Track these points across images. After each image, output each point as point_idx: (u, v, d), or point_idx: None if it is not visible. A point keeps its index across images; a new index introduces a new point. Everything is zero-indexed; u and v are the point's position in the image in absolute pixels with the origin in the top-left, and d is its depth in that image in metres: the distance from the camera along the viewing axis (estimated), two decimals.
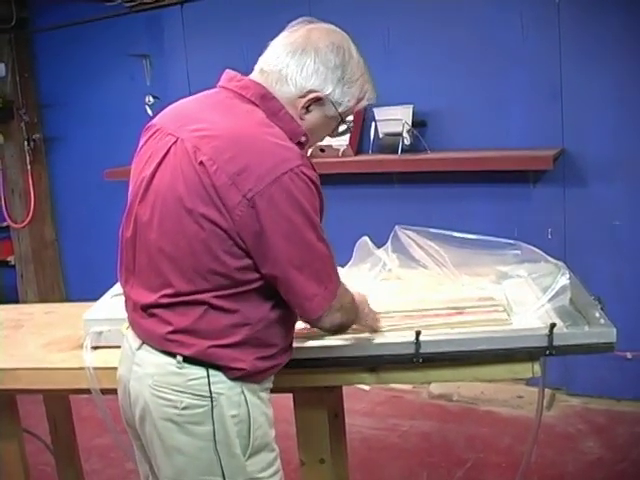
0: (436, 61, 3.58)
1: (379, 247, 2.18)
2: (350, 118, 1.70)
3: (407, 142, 3.48)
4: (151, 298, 1.59)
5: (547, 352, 1.75)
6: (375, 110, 3.55)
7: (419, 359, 1.79)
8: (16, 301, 4.80)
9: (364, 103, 1.66)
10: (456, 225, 3.58)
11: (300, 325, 1.86)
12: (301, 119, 1.60)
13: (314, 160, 3.61)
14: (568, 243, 3.44)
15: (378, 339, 1.85)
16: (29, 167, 4.71)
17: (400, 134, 3.46)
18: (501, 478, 2.96)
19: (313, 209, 1.52)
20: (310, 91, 1.58)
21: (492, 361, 1.80)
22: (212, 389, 1.55)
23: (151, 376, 1.58)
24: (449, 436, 3.35)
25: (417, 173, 3.54)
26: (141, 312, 1.62)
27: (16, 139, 4.68)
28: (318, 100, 1.59)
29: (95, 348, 2.04)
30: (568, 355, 1.77)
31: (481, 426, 3.41)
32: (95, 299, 2.20)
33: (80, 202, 4.76)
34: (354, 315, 1.73)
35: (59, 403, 2.60)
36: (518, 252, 2.06)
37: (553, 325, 1.74)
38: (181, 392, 1.56)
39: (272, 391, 1.74)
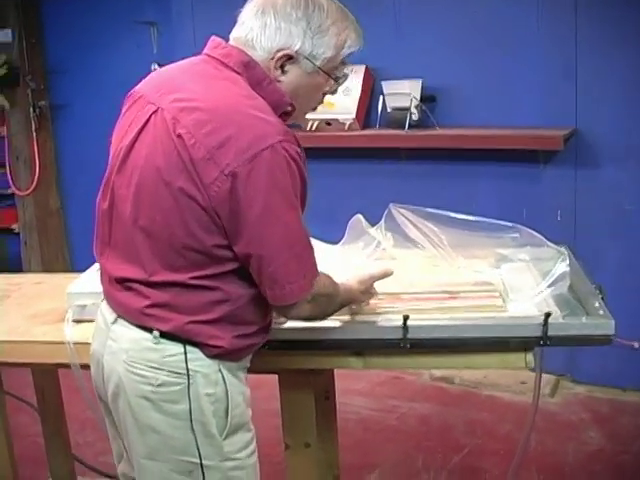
0: (448, 35, 3.45)
1: (374, 225, 2.09)
2: (345, 72, 1.60)
3: (415, 117, 3.37)
4: (127, 272, 1.53)
5: (541, 342, 1.67)
6: (383, 84, 3.45)
7: (407, 344, 1.72)
8: (20, 270, 4.76)
9: (347, 51, 1.55)
10: (463, 204, 3.48)
11: None
12: (279, 82, 1.51)
13: (319, 133, 3.59)
14: (578, 226, 3.34)
15: (365, 322, 1.78)
16: (34, 134, 4.63)
17: (408, 109, 3.35)
18: (498, 466, 2.89)
19: (293, 189, 1.44)
20: (278, 50, 1.50)
21: (484, 349, 1.73)
22: (189, 366, 1.50)
23: (126, 351, 1.53)
24: (448, 420, 3.28)
25: (424, 150, 3.44)
26: (117, 285, 1.56)
27: (22, 106, 4.60)
28: (290, 58, 1.50)
29: (78, 322, 1.99)
30: (563, 346, 1.68)
31: (482, 411, 3.33)
32: None
33: (86, 170, 4.68)
34: (328, 308, 1.65)
35: (47, 374, 2.55)
36: (517, 235, 1.97)
37: (548, 314, 1.66)
38: (157, 369, 1.50)
39: (256, 371, 1.68)
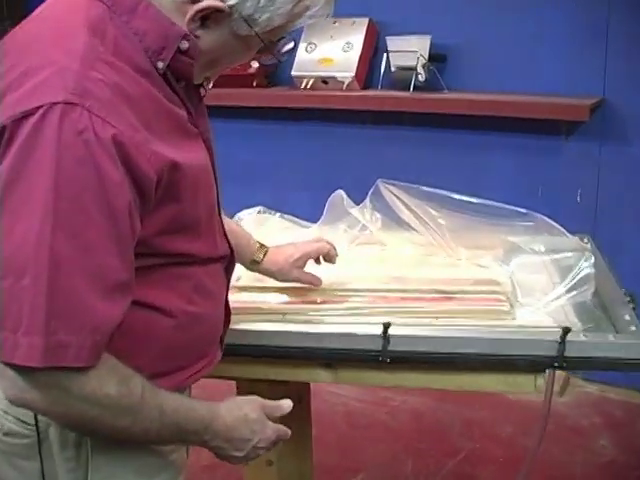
0: None
1: (360, 204, 1.74)
2: (288, 47, 1.14)
3: (422, 78, 2.98)
4: None
5: (556, 364, 1.32)
6: (388, 39, 3.05)
7: (386, 358, 1.37)
8: None
9: (306, 21, 1.08)
10: (471, 178, 3.17)
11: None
12: (196, 37, 1.04)
13: (314, 92, 3.20)
14: (600, 209, 2.97)
15: (337, 327, 1.44)
16: None
17: (414, 69, 2.96)
18: (497, 475, 2.57)
19: (73, 179, 0.91)
20: None
21: (482, 368, 1.38)
22: (38, 416, 1.07)
23: None
24: (444, 419, 2.95)
25: (430, 115, 3.05)
26: None
27: None
28: (217, 11, 1.02)
29: None
30: (583, 370, 1.33)
31: (481, 410, 2.99)
32: None
33: None
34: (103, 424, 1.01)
35: None
36: (531, 224, 1.62)
37: (567, 330, 1.30)
38: (3, 412, 1.10)
39: (209, 376, 1.30)
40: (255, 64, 3.38)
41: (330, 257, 1.56)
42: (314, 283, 1.54)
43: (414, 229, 1.72)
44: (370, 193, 1.65)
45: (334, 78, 3.16)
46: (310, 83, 3.20)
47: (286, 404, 1.25)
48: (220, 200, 1.22)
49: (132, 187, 0.95)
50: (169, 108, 1.04)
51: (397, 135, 3.24)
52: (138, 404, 1.01)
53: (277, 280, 1.55)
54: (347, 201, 1.69)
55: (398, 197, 1.63)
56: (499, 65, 3.05)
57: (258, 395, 1.44)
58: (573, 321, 1.40)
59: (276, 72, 3.42)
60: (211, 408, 1.13)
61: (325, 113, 3.23)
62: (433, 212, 1.66)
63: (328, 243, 1.57)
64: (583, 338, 1.33)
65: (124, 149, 0.93)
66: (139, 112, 0.97)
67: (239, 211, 1.96)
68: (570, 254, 1.62)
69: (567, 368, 1.32)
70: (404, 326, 1.40)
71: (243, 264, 1.52)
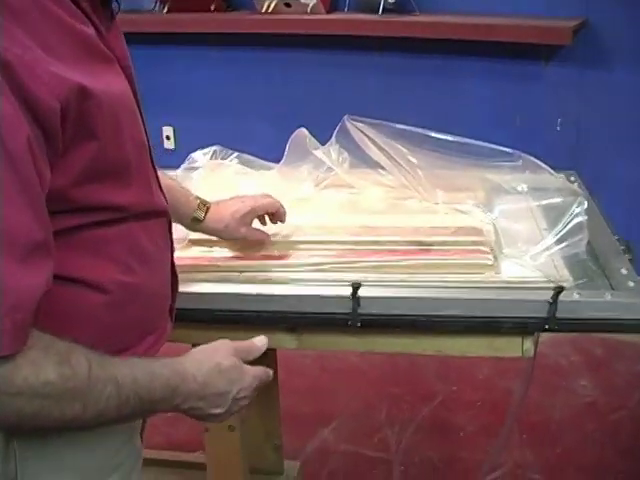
0: None
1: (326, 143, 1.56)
2: None
3: (391, 0, 2.77)
4: None
5: (546, 327, 1.18)
6: None
7: (357, 322, 1.22)
8: None
9: None
10: (445, 105, 3.00)
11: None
12: None
13: (275, 16, 2.96)
14: (581, 138, 2.81)
15: (300, 288, 1.27)
16: None
17: None
18: (474, 421, 2.47)
19: None
20: None
21: (464, 331, 1.23)
22: None
23: None
24: (419, 361, 2.82)
25: (402, 39, 2.84)
26: None
27: None
28: None
29: None
30: (576, 333, 1.19)
31: None
32: None
33: None
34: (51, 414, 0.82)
35: None
36: (518, 164, 1.45)
37: (559, 289, 1.15)
38: None
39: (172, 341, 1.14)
40: None
41: (279, 216, 1.38)
42: (264, 240, 1.37)
43: (385, 170, 1.54)
44: (336, 131, 1.46)
45: (298, 1, 2.93)
46: (272, 6, 2.96)
47: (260, 342, 1.08)
48: (150, 146, 1.01)
49: (29, 119, 0.75)
50: (71, 24, 0.82)
51: (364, 63, 3.03)
52: (86, 384, 0.83)
53: (222, 239, 1.37)
54: (311, 140, 1.51)
55: (366, 135, 1.45)
56: None
57: None
58: (564, 275, 1.25)
59: None
60: (175, 368, 0.94)
61: (286, 38, 3.00)
62: (405, 150, 1.48)
63: (277, 201, 1.39)
64: (577, 297, 1.18)
65: (11, 71, 0.73)
66: (30, 28, 0.76)
67: (195, 150, 1.77)
68: (559, 199, 1.46)
69: (559, 330, 1.17)
70: (376, 286, 1.24)
71: (183, 224, 1.32)
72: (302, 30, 2.93)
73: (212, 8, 3.13)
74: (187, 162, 1.75)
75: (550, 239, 1.34)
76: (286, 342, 1.30)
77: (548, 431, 2.42)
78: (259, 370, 1.04)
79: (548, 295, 1.16)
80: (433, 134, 1.47)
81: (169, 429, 2.36)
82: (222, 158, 1.76)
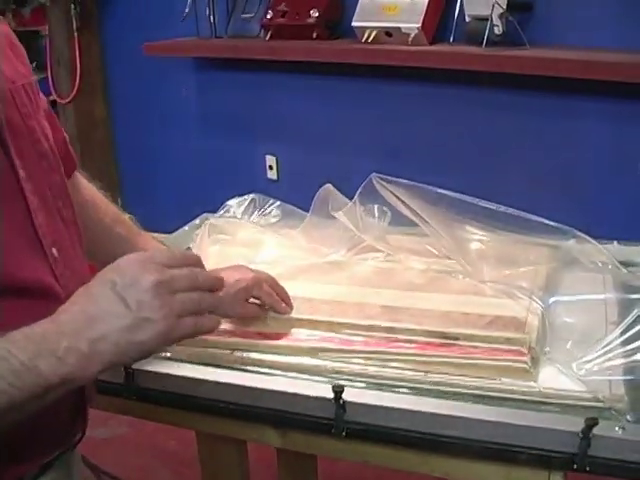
0: None
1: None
2: None
3: (498, 31, 2.50)
4: None
5: (574, 466, 0.91)
6: None
7: (341, 431, 1.00)
8: None
9: None
10: (560, 147, 2.70)
11: None
12: None
13: (374, 47, 2.75)
14: None
15: (286, 382, 1.07)
16: (76, 34, 4.05)
17: (488, 19, 2.48)
18: None
19: None
20: None
21: (476, 456, 0.98)
22: None
23: None
24: None
25: (505, 75, 2.56)
26: None
27: (62, 0, 4.00)
28: None
29: None
30: (612, 477, 0.92)
31: None
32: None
33: (134, 76, 4.10)
34: None
35: None
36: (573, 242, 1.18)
37: (593, 423, 0.88)
38: None
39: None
40: (315, 13, 2.99)
41: (277, 310, 1.18)
42: (260, 314, 1.18)
43: (426, 235, 1.32)
44: (359, 191, 1.24)
45: (399, 29, 2.72)
46: (372, 35, 2.77)
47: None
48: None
49: None
50: None
51: (466, 96, 2.79)
52: None
53: None
54: (335, 198, 1.29)
55: (398, 197, 1.23)
56: (597, 16, 2.52)
57: (218, 455, 1.15)
58: (617, 395, 0.97)
59: (340, 22, 3.02)
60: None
61: (385, 70, 2.80)
62: (441, 216, 1.25)
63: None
64: (619, 433, 0.90)
65: None
66: None
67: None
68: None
69: (591, 472, 0.90)
70: (369, 388, 1.02)
71: None
72: (398, 62, 2.72)
73: (314, 36, 2.98)
74: (222, 210, 1.60)
75: (613, 339, 1.07)
76: (271, 439, 1.10)
77: None
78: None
79: (579, 427, 0.89)
80: (483, 203, 1.23)
81: None
82: (260, 207, 1.59)
